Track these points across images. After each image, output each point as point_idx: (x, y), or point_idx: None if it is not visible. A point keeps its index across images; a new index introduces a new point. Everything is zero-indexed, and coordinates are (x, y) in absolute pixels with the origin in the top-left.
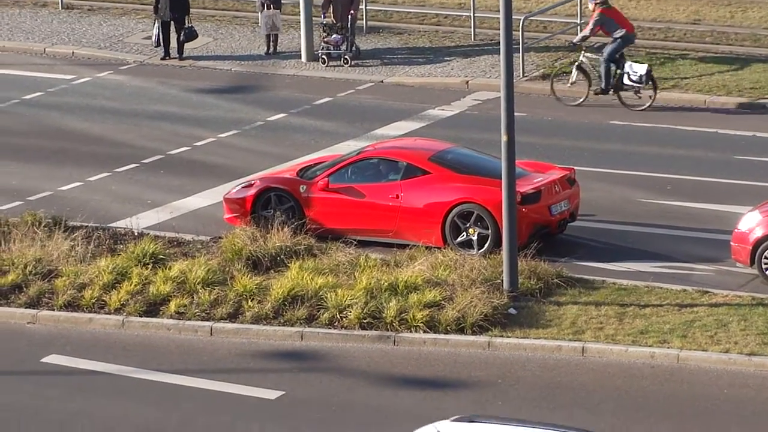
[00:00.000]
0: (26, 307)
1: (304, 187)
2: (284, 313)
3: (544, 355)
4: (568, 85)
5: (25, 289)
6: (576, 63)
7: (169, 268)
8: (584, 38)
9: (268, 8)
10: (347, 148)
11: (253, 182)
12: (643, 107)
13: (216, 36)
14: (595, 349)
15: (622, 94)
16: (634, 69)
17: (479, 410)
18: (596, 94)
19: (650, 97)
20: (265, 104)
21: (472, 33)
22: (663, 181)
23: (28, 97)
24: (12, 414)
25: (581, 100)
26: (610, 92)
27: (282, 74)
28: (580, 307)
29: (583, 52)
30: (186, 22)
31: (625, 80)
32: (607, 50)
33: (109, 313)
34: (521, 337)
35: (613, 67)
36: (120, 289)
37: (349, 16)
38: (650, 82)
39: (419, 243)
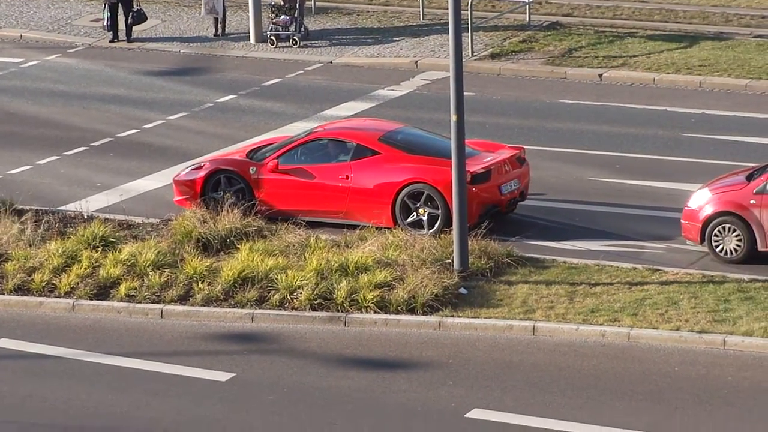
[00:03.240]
0: None
1: (254, 168)
2: (235, 294)
3: (495, 335)
4: None
5: None
6: None
7: (119, 251)
8: None
9: None
10: (297, 129)
11: (202, 164)
12: None
13: (164, 18)
14: (545, 328)
15: None
16: None
17: (430, 390)
18: None
19: None
20: (214, 86)
21: (421, 13)
22: (612, 159)
23: None
24: None
25: None
26: None
27: (231, 56)
28: (530, 287)
29: None
30: (134, 4)
31: None
32: None
33: (60, 297)
34: (472, 317)
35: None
36: (70, 273)
37: None
38: None
39: (369, 223)
